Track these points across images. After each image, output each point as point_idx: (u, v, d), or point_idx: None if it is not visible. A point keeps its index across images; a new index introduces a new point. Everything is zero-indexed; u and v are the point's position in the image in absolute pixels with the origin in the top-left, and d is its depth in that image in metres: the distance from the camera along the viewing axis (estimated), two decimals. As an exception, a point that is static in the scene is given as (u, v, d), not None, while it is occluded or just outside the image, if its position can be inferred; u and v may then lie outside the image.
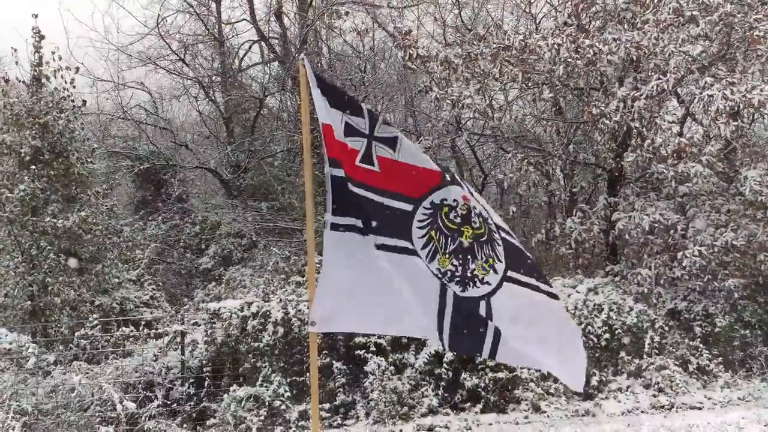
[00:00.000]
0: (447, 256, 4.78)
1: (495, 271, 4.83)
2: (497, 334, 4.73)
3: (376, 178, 4.73)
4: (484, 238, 4.83)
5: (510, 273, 4.86)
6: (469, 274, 4.79)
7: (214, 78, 21.75)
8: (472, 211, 4.82)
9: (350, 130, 4.73)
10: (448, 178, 4.85)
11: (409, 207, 4.76)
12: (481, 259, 4.81)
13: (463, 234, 4.81)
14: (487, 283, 4.81)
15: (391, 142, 4.79)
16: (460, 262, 4.79)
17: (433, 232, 4.78)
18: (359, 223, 4.68)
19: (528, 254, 5.03)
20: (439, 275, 4.75)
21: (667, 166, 12.35)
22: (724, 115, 11.83)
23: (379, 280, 4.72)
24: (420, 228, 4.77)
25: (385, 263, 4.71)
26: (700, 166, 12.17)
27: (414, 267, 4.74)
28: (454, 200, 4.80)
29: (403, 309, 4.77)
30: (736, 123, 12.11)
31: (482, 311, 4.77)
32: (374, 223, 4.71)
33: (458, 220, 4.81)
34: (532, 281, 4.92)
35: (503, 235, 4.90)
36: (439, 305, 4.73)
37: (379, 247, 4.71)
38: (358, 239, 4.68)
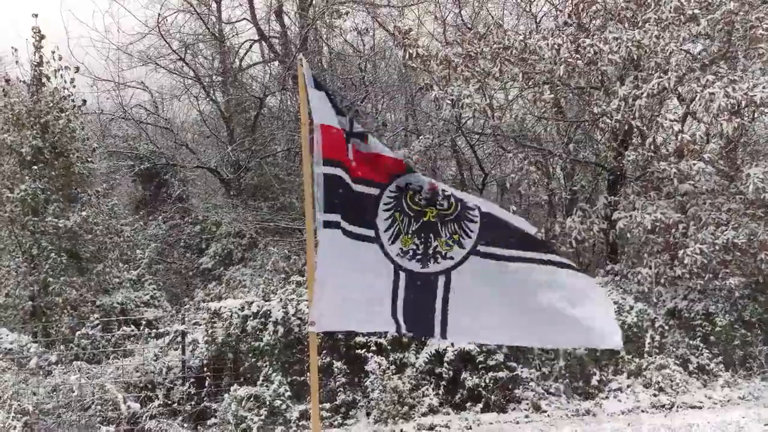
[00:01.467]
0: (410, 236, 4.96)
1: (460, 246, 4.97)
2: (444, 312, 4.93)
3: (351, 167, 4.91)
4: (451, 217, 4.98)
5: (482, 248, 4.96)
6: (430, 251, 4.97)
7: (214, 77, 21.75)
8: (440, 193, 4.98)
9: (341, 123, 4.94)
10: (412, 168, 5.10)
11: (376, 191, 4.96)
12: (445, 235, 4.97)
13: (426, 214, 4.99)
14: (450, 257, 4.96)
15: (362, 136, 4.98)
16: (422, 240, 4.96)
17: (397, 214, 4.98)
18: (339, 218, 4.82)
19: (522, 228, 5.03)
20: (400, 254, 4.95)
21: (670, 163, 12.33)
22: (725, 113, 11.81)
23: (360, 276, 4.91)
24: (386, 210, 4.98)
25: (353, 255, 4.90)
26: (702, 163, 12.15)
27: (373, 255, 4.94)
28: (419, 186, 4.98)
29: (373, 303, 4.96)
30: (738, 121, 12.09)
31: (439, 286, 4.95)
32: (347, 211, 4.88)
33: (423, 202, 4.99)
34: (521, 253, 4.97)
35: (486, 210, 5.01)
36: (392, 292, 4.94)
37: (347, 234, 4.88)
38: (341, 235, 4.83)
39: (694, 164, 12.13)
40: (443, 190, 4.99)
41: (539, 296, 4.93)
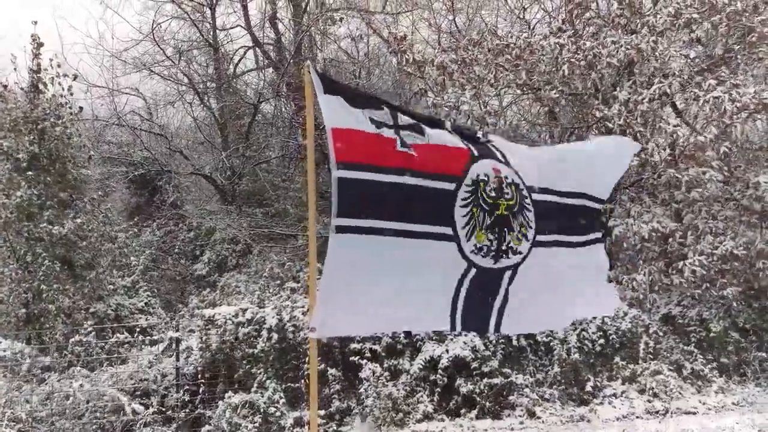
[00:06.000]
0: (483, 231, 4.88)
1: (527, 239, 5.02)
2: (502, 307, 4.97)
3: (414, 161, 4.75)
4: (516, 208, 4.98)
5: (538, 237, 5.06)
6: (504, 247, 4.94)
7: (208, 84, 21.77)
8: (504, 182, 4.97)
9: (379, 124, 4.76)
10: (476, 154, 4.96)
11: (452, 186, 4.83)
12: (516, 229, 4.97)
13: (499, 207, 4.92)
14: (519, 252, 4.99)
15: (418, 128, 4.86)
16: (496, 235, 4.91)
17: (475, 209, 4.87)
18: (377, 223, 4.67)
19: (569, 208, 5.25)
20: (474, 251, 4.87)
21: (680, 170, 12.25)
22: (734, 116, 11.71)
23: (392, 278, 4.75)
24: (463, 207, 4.85)
25: (408, 254, 4.75)
26: (712, 171, 12.04)
27: (444, 253, 4.83)
28: (486, 174, 4.92)
29: (416, 301, 4.86)
30: (749, 125, 12.02)
31: (504, 281, 4.97)
32: (410, 210, 4.74)
33: (493, 194, 4.92)
34: (563, 237, 5.19)
35: (536, 196, 5.11)
36: (455, 289, 4.88)
37: (414, 234, 4.76)
38: (369, 239, 4.66)
39: (705, 172, 12.02)
40: (505, 177, 4.96)
41: (570, 276, 5.16)
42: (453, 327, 5.01)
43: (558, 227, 5.20)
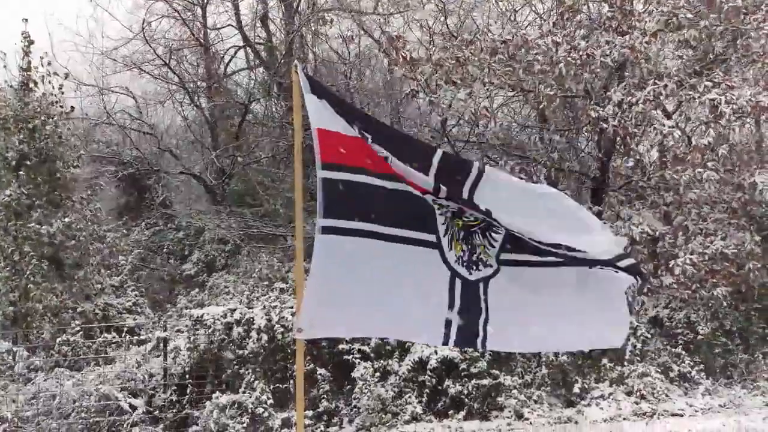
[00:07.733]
0: (459, 241, 4.83)
1: (489, 256, 4.88)
2: (485, 322, 4.83)
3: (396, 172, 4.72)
4: (483, 225, 4.86)
5: (504, 255, 4.88)
6: (474, 258, 4.86)
7: (199, 83, 21.70)
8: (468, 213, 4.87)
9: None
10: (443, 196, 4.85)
11: (431, 196, 4.79)
12: (480, 241, 4.87)
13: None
14: (490, 265, 4.88)
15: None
16: (469, 246, 4.85)
17: (449, 219, 4.84)
18: (362, 225, 4.63)
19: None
20: (457, 261, 4.81)
21: (678, 172, 12.22)
22: (731, 119, 11.67)
23: (380, 281, 4.72)
24: (441, 215, 4.82)
25: (393, 259, 4.70)
26: (712, 172, 12.00)
27: (430, 262, 4.77)
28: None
29: (406, 311, 4.79)
30: (746, 126, 11.99)
31: (480, 295, 4.85)
32: (395, 215, 4.70)
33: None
34: (545, 258, 4.89)
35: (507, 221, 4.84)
36: (449, 301, 4.79)
37: (397, 239, 4.71)
38: (354, 241, 4.62)
39: (703, 172, 11.98)
40: (471, 213, 4.84)
41: (566, 298, 4.95)
42: (446, 341, 4.91)
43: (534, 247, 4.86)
